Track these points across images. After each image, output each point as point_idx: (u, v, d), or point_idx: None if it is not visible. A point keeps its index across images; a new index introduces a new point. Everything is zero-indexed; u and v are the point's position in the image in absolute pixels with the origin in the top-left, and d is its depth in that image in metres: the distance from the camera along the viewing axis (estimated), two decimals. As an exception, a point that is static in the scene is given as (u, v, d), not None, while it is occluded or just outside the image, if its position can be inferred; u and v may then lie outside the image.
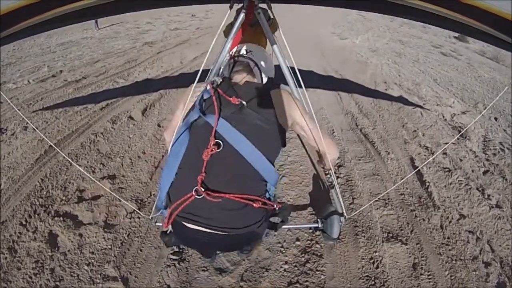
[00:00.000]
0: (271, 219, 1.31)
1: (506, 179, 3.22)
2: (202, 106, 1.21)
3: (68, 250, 2.18)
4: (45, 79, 5.34)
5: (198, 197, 1.10)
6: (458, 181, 3.11)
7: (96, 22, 11.47)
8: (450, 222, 2.57)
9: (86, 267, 2.07)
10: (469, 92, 6.50)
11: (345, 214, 1.80)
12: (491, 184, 3.13)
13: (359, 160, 3.58)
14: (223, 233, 1.14)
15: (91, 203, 2.59)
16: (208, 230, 1.13)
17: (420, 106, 5.27)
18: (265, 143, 1.17)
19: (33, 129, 3.43)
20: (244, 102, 1.18)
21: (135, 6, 1.78)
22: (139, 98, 4.87)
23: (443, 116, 4.94)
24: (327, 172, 1.72)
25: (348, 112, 5.02)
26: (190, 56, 7.65)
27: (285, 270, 2.15)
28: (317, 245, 2.35)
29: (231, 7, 1.49)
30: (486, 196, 2.90)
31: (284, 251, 2.29)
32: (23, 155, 3.06)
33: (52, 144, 2.24)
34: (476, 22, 1.13)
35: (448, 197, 2.92)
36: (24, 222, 2.34)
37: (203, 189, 1.09)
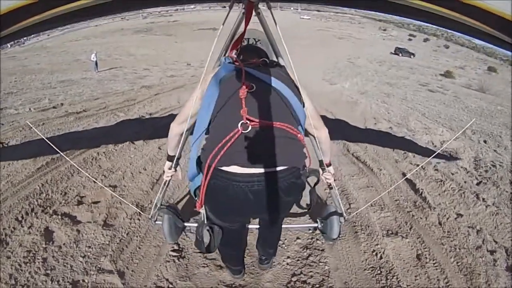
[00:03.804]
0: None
1: (500, 188, 3.31)
2: (228, 64, 1.25)
3: (64, 244, 2.11)
4: (46, 109, 5.57)
5: (244, 132, 1.05)
6: (451, 188, 3.20)
7: (96, 64, 12.26)
8: (448, 219, 2.59)
9: (81, 259, 1.99)
10: (457, 121, 6.92)
11: (344, 215, 1.82)
12: (485, 192, 3.20)
13: (352, 176, 3.68)
14: (278, 168, 1.08)
15: (91, 205, 2.57)
16: (260, 170, 1.07)
17: (410, 136, 5.57)
18: (290, 86, 1.21)
19: (36, 142, 3.53)
20: (266, 60, 1.29)
21: (134, 5, 1.81)
22: (140, 128, 5.08)
23: (433, 143, 5.21)
24: (324, 170, 1.67)
25: (339, 142, 5.26)
26: (187, 98, 8.09)
27: (287, 263, 2.10)
28: (318, 242, 2.31)
29: (230, 7, 1.44)
30: (481, 200, 2.95)
31: (285, 248, 2.25)
32: (24, 165, 3.10)
33: (59, 151, 2.29)
34: (476, 22, 1.12)
35: (443, 202, 2.97)
36: (20, 218, 2.29)
37: (249, 121, 1.05)
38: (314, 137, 1.52)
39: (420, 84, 13.70)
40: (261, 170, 1.07)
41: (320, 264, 2.09)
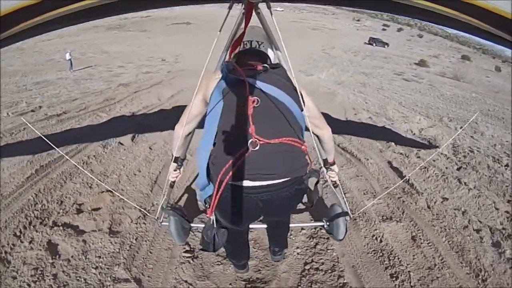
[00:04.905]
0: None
1: (479, 172, 3.66)
2: (230, 74, 1.26)
3: (72, 256, 2.05)
4: (25, 113, 5.25)
5: (254, 149, 1.12)
6: (435, 174, 3.48)
7: (71, 63, 11.81)
8: (435, 203, 2.85)
9: (94, 271, 1.95)
10: (434, 109, 7.33)
11: (350, 214, 1.90)
12: (466, 176, 3.53)
13: (342, 167, 3.84)
14: (284, 179, 1.17)
15: (92, 213, 2.50)
16: (268, 182, 1.15)
17: (389, 125, 5.89)
18: (292, 93, 1.26)
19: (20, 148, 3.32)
20: (267, 65, 1.29)
21: (135, 6, 1.77)
22: (125, 128, 4.90)
23: (412, 131, 5.55)
24: (328, 169, 1.73)
25: (322, 134, 5.41)
26: (166, 95, 7.86)
27: (298, 253, 2.21)
28: (322, 231, 2.43)
29: (230, 7, 1.43)
30: (463, 184, 3.25)
31: (293, 239, 2.36)
32: (12, 175, 2.91)
33: (58, 150, 2.20)
34: (477, 20, 1.13)
35: (429, 187, 3.24)
36: (18, 233, 2.18)
37: (257, 139, 1.11)
38: (318, 137, 1.57)
39: (395, 74, 14.29)
40: (270, 182, 1.17)
41: (328, 251, 2.23)
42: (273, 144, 1.15)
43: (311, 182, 1.33)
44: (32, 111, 5.52)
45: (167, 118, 5.23)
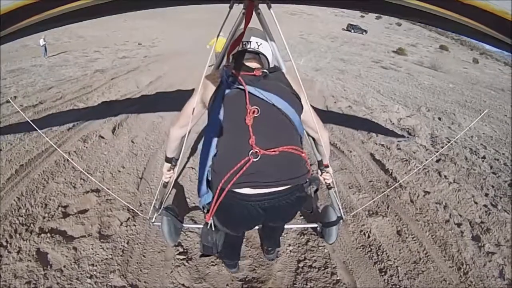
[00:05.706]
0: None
1: (458, 164, 3.87)
2: (230, 81, 1.26)
3: (64, 266, 1.98)
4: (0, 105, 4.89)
5: (255, 160, 1.15)
6: (416, 167, 3.64)
7: (45, 50, 11.29)
8: (418, 197, 3.00)
9: (89, 280, 1.91)
10: (412, 98, 7.51)
11: (343, 217, 1.99)
12: (445, 169, 3.71)
13: (326, 160, 3.91)
14: (285, 187, 1.19)
15: (79, 216, 2.42)
16: (269, 190, 1.18)
17: (369, 114, 6.00)
18: (291, 100, 1.28)
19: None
20: (266, 71, 1.29)
21: (135, 5, 1.74)
22: (104, 119, 4.69)
23: (391, 121, 5.70)
24: (323, 171, 1.75)
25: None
26: (145, 81, 7.62)
27: (290, 251, 2.28)
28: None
29: (231, 7, 1.45)
30: (443, 177, 3.43)
31: (285, 236, 2.42)
32: (-11, 177, 2.73)
33: (50, 142, 2.08)
34: (476, 22, 1.12)
35: (411, 181, 3.39)
36: (4, 243, 2.08)
37: (258, 150, 1.14)
38: (314, 139, 1.64)
39: (373, 61, 14.44)
40: (271, 190, 1.19)
41: (320, 248, 2.31)
42: (274, 154, 1.18)
43: (311, 189, 1.37)
44: (7, 102, 5.16)
45: (147, 108, 5.07)
